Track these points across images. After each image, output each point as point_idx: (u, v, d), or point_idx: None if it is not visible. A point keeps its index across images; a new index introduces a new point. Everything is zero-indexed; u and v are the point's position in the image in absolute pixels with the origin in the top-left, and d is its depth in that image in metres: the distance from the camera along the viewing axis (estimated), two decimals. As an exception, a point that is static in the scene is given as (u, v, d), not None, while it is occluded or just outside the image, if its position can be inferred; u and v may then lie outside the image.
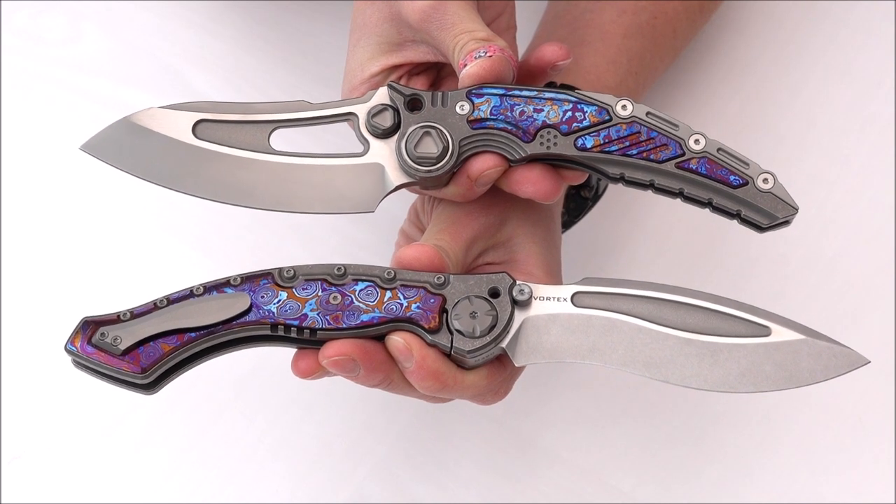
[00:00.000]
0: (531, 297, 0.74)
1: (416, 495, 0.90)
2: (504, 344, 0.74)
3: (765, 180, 0.74)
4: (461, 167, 0.76)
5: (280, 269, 0.73)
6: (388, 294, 0.73)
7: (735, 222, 0.75)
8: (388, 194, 0.76)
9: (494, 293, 0.74)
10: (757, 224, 0.74)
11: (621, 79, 0.89)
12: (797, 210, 0.74)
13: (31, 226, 0.97)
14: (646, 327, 0.73)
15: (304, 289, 0.73)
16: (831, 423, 0.92)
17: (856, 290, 0.96)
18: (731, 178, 0.74)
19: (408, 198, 0.84)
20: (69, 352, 0.72)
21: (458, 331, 0.73)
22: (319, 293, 0.73)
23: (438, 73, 0.82)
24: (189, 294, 0.73)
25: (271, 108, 0.77)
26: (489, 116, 0.75)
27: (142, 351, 0.72)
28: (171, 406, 0.92)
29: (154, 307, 0.72)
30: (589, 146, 0.75)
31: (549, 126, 0.75)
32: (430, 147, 0.75)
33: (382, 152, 0.76)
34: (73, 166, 0.97)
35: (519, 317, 0.74)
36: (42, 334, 0.93)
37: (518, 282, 0.74)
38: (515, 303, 0.74)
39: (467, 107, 0.75)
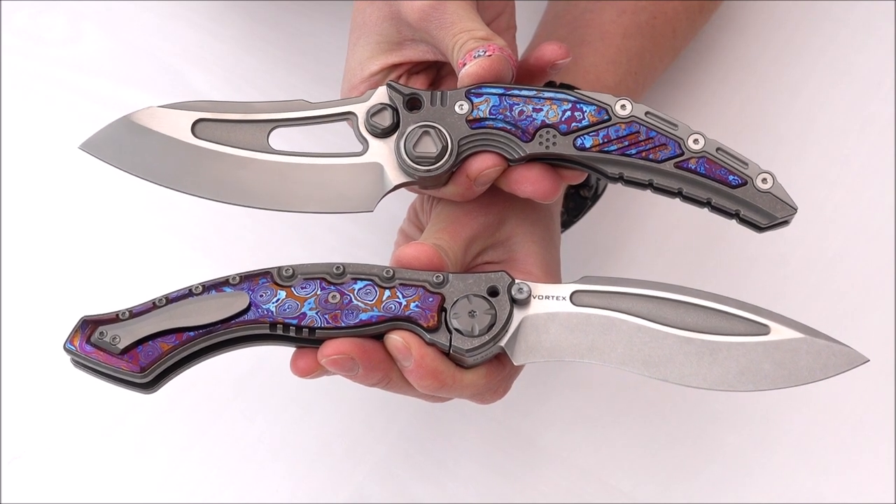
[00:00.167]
0: (530, 295, 0.74)
1: (416, 495, 0.90)
2: (503, 343, 0.73)
3: (764, 180, 0.74)
4: (460, 166, 0.76)
5: (279, 268, 0.73)
6: (387, 293, 0.73)
7: (734, 222, 0.75)
8: (387, 194, 0.76)
9: (493, 292, 0.74)
10: (756, 224, 0.74)
11: (621, 78, 0.89)
12: (796, 210, 0.74)
13: (30, 226, 0.97)
14: (645, 326, 0.73)
15: (302, 288, 0.73)
16: (831, 423, 0.92)
17: (856, 290, 0.96)
18: (730, 177, 0.74)
19: (407, 197, 0.84)
20: (68, 351, 0.72)
21: (456, 330, 0.73)
22: (318, 292, 0.73)
23: (438, 72, 0.82)
24: (188, 293, 0.73)
25: (270, 108, 0.77)
26: (488, 116, 0.75)
27: (141, 350, 0.72)
28: (170, 406, 0.92)
29: (153, 306, 0.72)
30: (588, 146, 0.75)
31: (548, 126, 0.75)
32: (429, 146, 0.75)
33: (381, 152, 0.76)
34: (72, 166, 0.97)
35: (518, 316, 0.74)
36: (41, 333, 0.93)
37: (517, 281, 0.74)
38: (514, 302, 0.74)
39: (466, 106, 0.75)
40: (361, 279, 0.73)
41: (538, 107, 0.75)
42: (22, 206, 0.98)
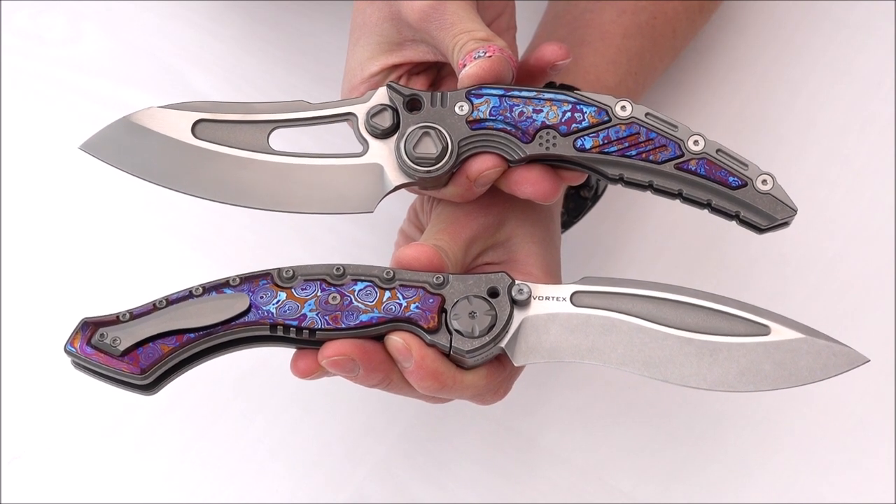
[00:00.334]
0: (530, 296, 0.74)
1: (416, 495, 0.90)
2: (503, 344, 0.74)
3: (764, 182, 0.74)
4: (460, 167, 0.76)
5: (279, 270, 0.73)
6: (388, 294, 0.73)
7: (734, 223, 0.75)
8: (387, 194, 0.76)
9: (493, 293, 0.74)
10: (755, 225, 0.74)
11: (621, 79, 0.89)
12: (796, 211, 0.74)
13: (30, 226, 0.97)
14: (645, 326, 0.73)
15: (303, 289, 0.73)
16: (831, 423, 0.92)
17: (856, 290, 0.96)
18: (730, 179, 0.74)
19: (407, 198, 0.84)
20: (69, 353, 0.72)
21: (457, 331, 0.73)
22: (318, 293, 0.73)
23: (438, 72, 0.82)
24: (188, 295, 0.73)
25: (270, 108, 0.77)
26: (488, 117, 0.75)
27: (141, 352, 0.72)
28: (171, 406, 0.92)
29: (153, 308, 0.72)
30: (588, 147, 0.75)
31: (548, 127, 0.75)
32: (430, 147, 0.75)
33: (381, 152, 0.76)
34: (72, 166, 0.97)
35: (518, 316, 0.74)
36: (42, 334, 0.93)
37: (517, 281, 0.74)
38: (514, 302, 0.74)
39: (466, 107, 0.75)
40: (362, 280, 0.73)
41: (538, 108, 0.75)
42: (22, 207, 0.98)
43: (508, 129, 0.75)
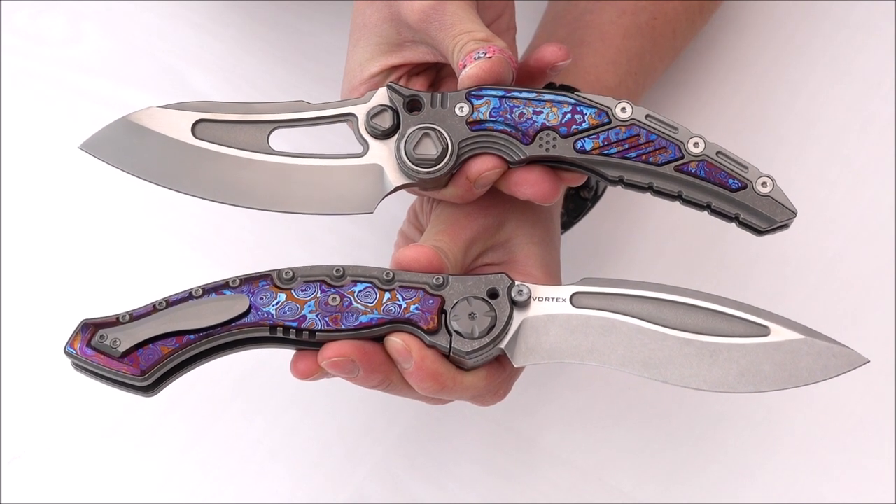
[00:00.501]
0: (530, 297, 0.74)
1: (416, 495, 0.90)
2: (503, 345, 0.73)
3: (763, 184, 0.74)
4: (460, 168, 0.76)
5: (279, 271, 0.73)
6: (387, 295, 0.73)
7: (734, 225, 0.75)
8: (386, 195, 0.76)
9: (493, 294, 0.74)
10: (755, 228, 0.74)
11: (621, 79, 0.88)
12: (795, 214, 0.74)
13: (30, 226, 0.97)
14: (645, 327, 0.73)
15: (302, 290, 0.73)
16: (831, 423, 0.92)
17: (856, 290, 0.96)
18: (730, 181, 0.74)
19: (407, 199, 0.84)
20: (68, 354, 0.72)
21: (456, 332, 0.73)
22: (318, 294, 0.73)
23: (438, 73, 0.82)
24: (188, 296, 0.73)
25: (271, 108, 0.77)
26: (488, 118, 0.75)
27: (141, 353, 0.72)
28: (171, 406, 0.92)
29: (153, 309, 0.72)
30: (588, 148, 0.75)
31: (548, 128, 0.75)
32: (430, 148, 0.75)
33: (381, 153, 0.76)
34: (72, 167, 0.97)
35: (518, 317, 0.74)
36: (42, 335, 0.93)
37: (517, 282, 0.74)
38: (514, 303, 0.74)
39: (467, 108, 0.75)
40: (361, 281, 0.73)
41: (538, 109, 0.75)
42: (22, 207, 0.98)
43: (508, 130, 0.75)
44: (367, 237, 0.96)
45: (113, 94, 1.01)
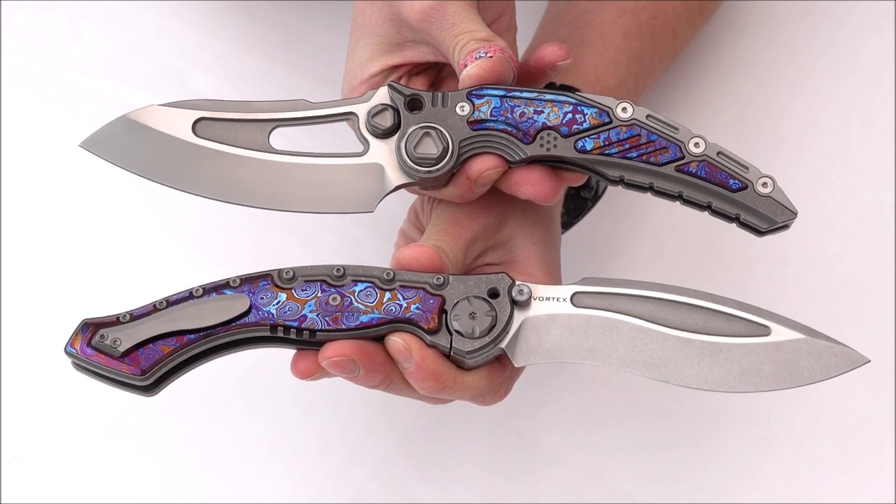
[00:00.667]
0: (530, 297, 0.74)
1: (416, 495, 0.90)
2: (503, 344, 0.73)
3: (764, 184, 0.74)
4: (461, 168, 0.76)
5: (279, 271, 0.73)
6: (388, 295, 0.73)
7: (734, 225, 0.75)
8: (387, 194, 0.76)
9: (494, 294, 0.74)
10: (756, 228, 0.74)
11: (621, 79, 0.89)
12: (796, 214, 0.74)
13: (30, 226, 0.97)
14: (645, 327, 0.73)
15: (303, 290, 0.73)
16: (832, 423, 0.92)
17: (856, 290, 0.96)
18: (731, 181, 0.74)
19: (407, 198, 0.84)
20: (69, 354, 0.72)
21: (457, 331, 0.73)
22: (319, 294, 0.73)
23: (438, 73, 0.82)
24: (188, 296, 0.73)
25: (271, 107, 0.77)
26: (489, 118, 0.75)
27: (141, 353, 0.72)
28: (170, 406, 0.92)
29: (153, 309, 0.72)
30: (589, 148, 0.75)
31: (549, 128, 0.75)
32: (430, 148, 0.75)
33: (382, 152, 0.76)
34: (72, 167, 0.97)
35: (518, 317, 0.74)
36: (42, 335, 0.93)
37: (517, 282, 0.74)
38: (515, 303, 0.74)
39: (467, 108, 0.75)
40: (362, 281, 0.73)
41: (539, 109, 0.75)
42: (22, 207, 0.98)
43: (509, 129, 0.75)
44: (367, 237, 0.96)
45: (113, 94, 1.01)
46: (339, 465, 0.91)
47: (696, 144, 0.74)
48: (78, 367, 0.73)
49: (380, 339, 0.73)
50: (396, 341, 0.73)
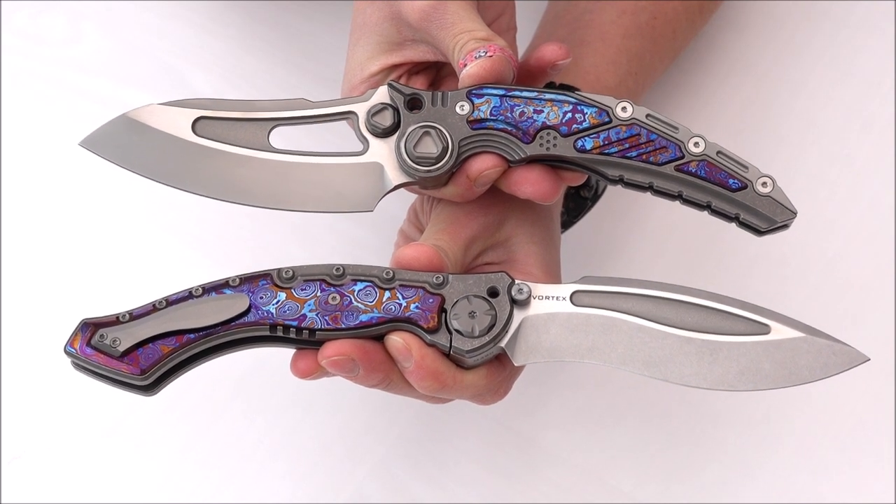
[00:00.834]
0: (530, 296, 0.74)
1: (416, 495, 0.90)
2: (503, 343, 0.73)
3: (764, 184, 0.74)
4: (460, 167, 0.76)
5: (279, 270, 0.73)
6: (387, 294, 0.73)
7: (734, 225, 0.75)
8: (386, 194, 0.76)
9: (493, 293, 0.74)
10: (755, 228, 0.74)
11: (621, 79, 0.89)
12: (795, 214, 0.74)
13: (30, 226, 0.97)
14: (645, 326, 0.73)
15: (302, 289, 0.73)
16: (831, 423, 0.92)
17: (856, 290, 0.96)
18: (730, 181, 0.74)
19: (407, 197, 0.84)
20: (68, 353, 0.72)
21: (456, 330, 0.73)
22: (318, 293, 0.73)
23: (438, 72, 0.82)
24: (188, 295, 0.73)
25: (271, 106, 0.77)
26: (489, 117, 0.75)
27: (141, 352, 0.72)
28: (170, 406, 0.92)
29: (153, 308, 0.72)
30: (588, 148, 0.75)
31: (548, 127, 0.75)
32: (430, 147, 0.75)
33: (382, 151, 0.76)
34: (72, 167, 0.97)
35: (518, 316, 0.74)
36: (42, 335, 0.93)
37: (517, 281, 0.74)
38: (514, 302, 0.74)
39: (467, 107, 0.75)
40: (361, 280, 0.73)
41: (539, 108, 0.75)
42: (22, 207, 0.98)
43: (509, 129, 0.75)
44: (367, 236, 0.96)
45: (113, 94, 1.01)
46: (338, 464, 0.91)
47: (696, 144, 0.74)
48: (77, 366, 0.73)
49: (379, 339, 0.73)
50: (396, 340, 0.73)
